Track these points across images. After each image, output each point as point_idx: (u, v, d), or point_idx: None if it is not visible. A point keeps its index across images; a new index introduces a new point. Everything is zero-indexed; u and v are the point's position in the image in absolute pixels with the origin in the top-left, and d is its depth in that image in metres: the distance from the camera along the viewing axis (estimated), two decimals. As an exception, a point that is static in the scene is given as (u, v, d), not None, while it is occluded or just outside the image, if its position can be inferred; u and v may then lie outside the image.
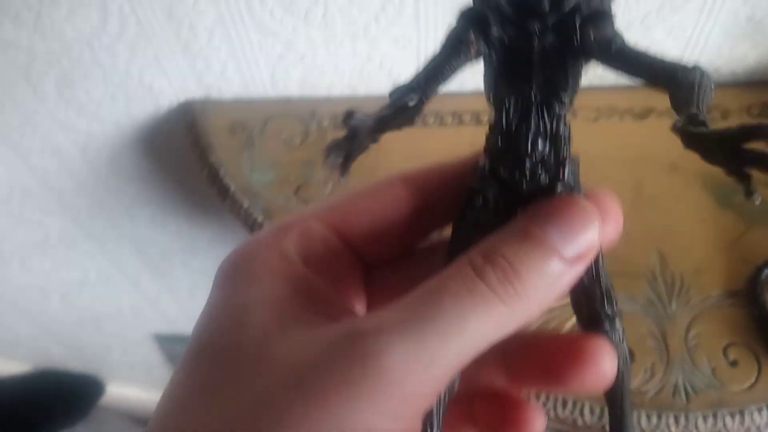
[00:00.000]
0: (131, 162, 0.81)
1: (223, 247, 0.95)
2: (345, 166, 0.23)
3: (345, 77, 0.67)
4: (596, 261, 0.24)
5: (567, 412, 0.49)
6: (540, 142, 0.23)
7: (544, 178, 0.24)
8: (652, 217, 0.57)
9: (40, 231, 0.95)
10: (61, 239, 0.97)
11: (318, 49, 0.64)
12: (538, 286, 0.22)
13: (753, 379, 0.48)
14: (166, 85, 0.69)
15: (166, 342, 1.25)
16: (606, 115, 0.63)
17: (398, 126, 0.23)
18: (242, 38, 0.64)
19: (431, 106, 0.24)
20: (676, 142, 0.67)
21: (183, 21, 0.62)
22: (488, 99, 0.24)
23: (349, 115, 0.22)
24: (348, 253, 0.26)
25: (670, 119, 0.67)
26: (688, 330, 0.51)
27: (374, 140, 0.23)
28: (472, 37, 0.22)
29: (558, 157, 0.24)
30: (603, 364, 0.24)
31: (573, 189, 0.24)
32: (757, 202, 0.19)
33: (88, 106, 0.73)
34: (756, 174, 0.19)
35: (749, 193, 0.20)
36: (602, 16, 0.22)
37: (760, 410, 0.47)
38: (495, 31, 0.22)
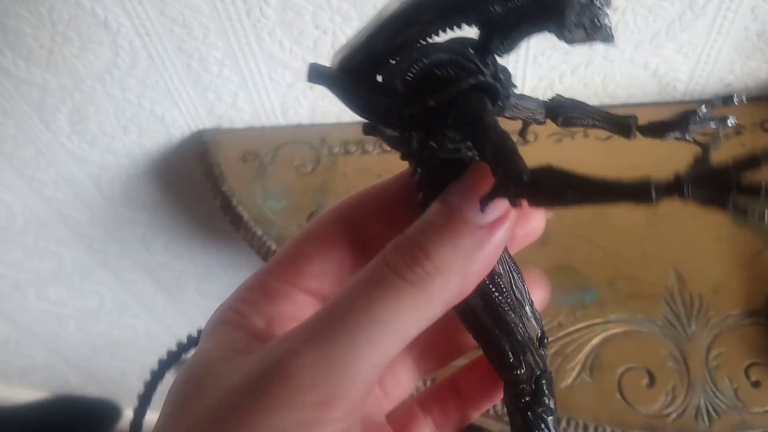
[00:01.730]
0: (144, 192, 0.81)
1: (236, 272, 0.95)
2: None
3: (355, 104, 0.67)
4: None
5: None
6: None
7: None
8: (667, 236, 0.57)
9: (55, 261, 0.96)
10: (76, 268, 0.97)
11: (327, 78, 0.64)
12: (452, 261, 0.21)
13: (777, 400, 0.48)
14: (178, 116, 0.70)
15: (181, 366, 1.25)
16: (618, 133, 0.63)
17: None
18: (252, 69, 0.64)
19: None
20: (688, 157, 0.67)
21: (193, 54, 0.62)
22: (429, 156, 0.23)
23: None
24: (308, 298, 0.26)
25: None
26: (708, 351, 0.50)
27: None
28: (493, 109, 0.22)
29: None
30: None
31: None
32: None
33: (101, 139, 0.73)
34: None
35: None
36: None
37: (784, 431, 0.47)
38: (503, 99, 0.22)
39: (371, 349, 0.20)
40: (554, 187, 0.18)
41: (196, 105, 0.69)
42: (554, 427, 0.25)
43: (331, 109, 0.68)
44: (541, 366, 0.25)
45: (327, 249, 0.25)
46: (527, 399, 0.24)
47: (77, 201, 0.83)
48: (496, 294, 0.24)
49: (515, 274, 0.25)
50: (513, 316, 0.24)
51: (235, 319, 0.24)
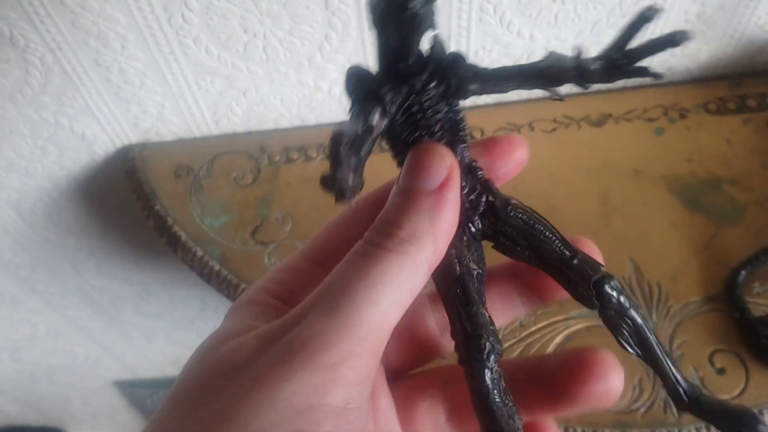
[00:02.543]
0: (70, 214, 0.76)
1: (176, 289, 0.91)
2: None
3: (293, 108, 0.64)
4: (561, 238, 0.26)
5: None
6: (462, 177, 0.26)
7: (477, 199, 0.27)
8: (621, 226, 0.56)
9: (-21, 292, 0.89)
10: (3, 298, 0.91)
11: (261, 83, 0.61)
12: (419, 224, 0.24)
13: (742, 386, 0.47)
14: (100, 132, 0.65)
15: (126, 388, 1.20)
16: (563, 124, 0.62)
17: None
18: (178, 78, 0.60)
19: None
20: (636, 146, 0.66)
21: (111, 67, 0.58)
22: (399, 163, 0.26)
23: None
24: None
25: (627, 123, 0.66)
26: (671, 340, 0.50)
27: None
28: (374, 113, 0.24)
29: (480, 181, 0.27)
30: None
31: (503, 199, 0.27)
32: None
33: (17, 163, 0.68)
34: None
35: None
36: (460, 58, 0.25)
37: (751, 416, 0.46)
38: (389, 97, 0.25)
39: (373, 310, 0.22)
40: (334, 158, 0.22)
41: (119, 119, 0.64)
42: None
43: (268, 115, 0.65)
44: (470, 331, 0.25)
45: (359, 232, 0.26)
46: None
47: (-2, 229, 0.77)
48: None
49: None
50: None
51: (264, 299, 0.26)
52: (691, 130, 0.61)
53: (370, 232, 0.24)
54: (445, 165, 0.24)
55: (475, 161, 0.27)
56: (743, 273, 0.51)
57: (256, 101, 0.63)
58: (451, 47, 0.25)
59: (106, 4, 0.53)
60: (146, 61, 0.58)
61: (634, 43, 0.24)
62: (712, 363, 0.48)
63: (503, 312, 0.29)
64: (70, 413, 1.29)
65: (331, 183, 0.23)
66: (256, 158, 0.64)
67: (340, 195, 0.23)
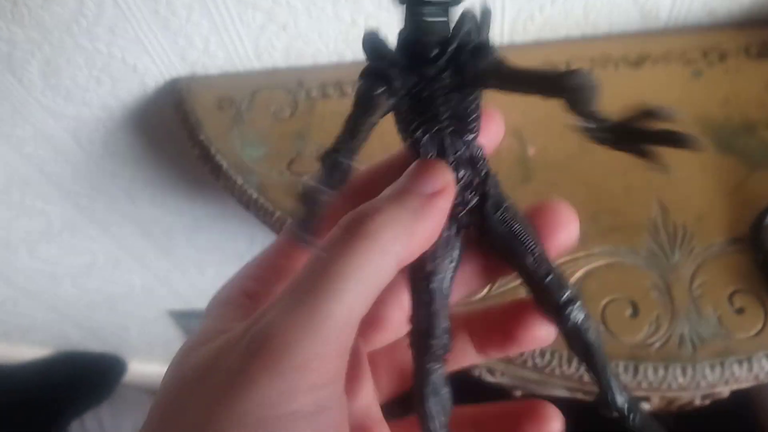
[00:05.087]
0: (125, 144, 0.80)
1: (225, 223, 0.95)
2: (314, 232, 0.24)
3: (330, 44, 0.66)
4: (540, 253, 0.26)
5: (573, 369, 0.49)
6: (461, 169, 0.26)
7: (471, 196, 0.27)
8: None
9: (42, 219, 0.95)
10: (65, 225, 0.97)
11: (300, 17, 0.62)
12: (399, 215, 0.23)
13: (760, 326, 0.47)
14: (151, 64, 0.68)
15: (181, 318, 1.26)
16: (600, 64, 0.62)
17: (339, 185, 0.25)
18: (222, 12, 0.62)
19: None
20: (672, 88, 0.65)
21: (160, -1, 0.61)
22: (403, 140, 0.27)
23: (307, 195, 0.24)
24: None
25: (665, 65, 0.65)
26: (692, 280, 0.50)
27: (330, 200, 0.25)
28: (379, 93, 0.24)
29: (479, 176, 0.26)
30: (570, 224, 0.27)
31: (498, 199, 0.27)
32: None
33: (74, 92, 0.72)
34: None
35: (663, 169, 0.22)
36: (484, 48, 0.25)
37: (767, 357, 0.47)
38: (397, 83, 0.24)
39: (337, 305, 0.21)
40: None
41: (168, 52, 0.67)
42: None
43: (306, 51, 0.66)
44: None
45: None
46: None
47: (58, 157, 0.82)
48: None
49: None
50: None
51: (237, 298, 0.26)
52: (730, 74, 0.59)
53: (344, 217, 0.23)
54: (444, 178, 0.24)
55: (482, 152, 0.27)
56: (770, 216, 0.50)
57: (295, 36, 0.65)
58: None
59: (153, -64, 0.55)
60: (191, -7, 0.60)
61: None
62: (731, 302, 0.48)
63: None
64: (127, 341, 1.36)
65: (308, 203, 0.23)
66: (294, 93, 0.66)
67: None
